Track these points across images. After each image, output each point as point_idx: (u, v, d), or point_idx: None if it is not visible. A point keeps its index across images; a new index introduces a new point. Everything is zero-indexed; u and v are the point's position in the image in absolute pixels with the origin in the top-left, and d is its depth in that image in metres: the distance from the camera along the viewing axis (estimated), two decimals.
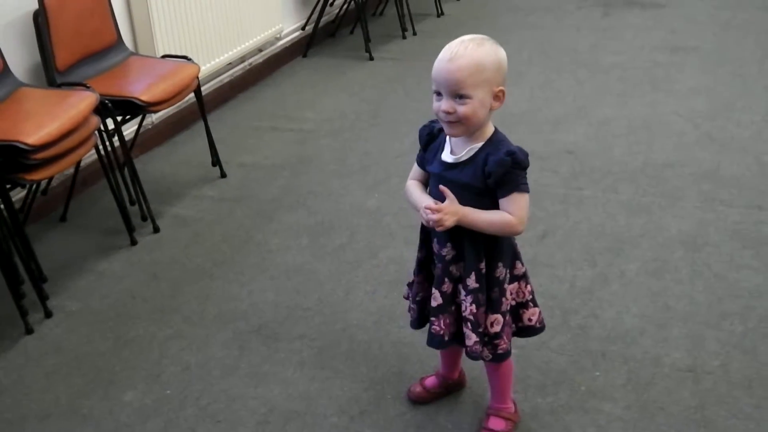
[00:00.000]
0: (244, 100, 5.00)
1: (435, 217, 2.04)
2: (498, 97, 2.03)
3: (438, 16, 6.61)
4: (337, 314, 2.96)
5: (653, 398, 2.51)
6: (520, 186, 2.05)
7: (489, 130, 2.09)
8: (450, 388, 2.55)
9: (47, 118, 2.96)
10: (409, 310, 2.38)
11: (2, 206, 2.97)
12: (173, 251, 3.39)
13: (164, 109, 3.62)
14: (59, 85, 3.36)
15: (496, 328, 2.20)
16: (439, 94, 2.02)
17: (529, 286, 2.27)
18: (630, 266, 3.17)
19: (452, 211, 2.05)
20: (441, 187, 2.06)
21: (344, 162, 4.12)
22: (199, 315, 2.99)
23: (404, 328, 2.46)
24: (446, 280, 2.19)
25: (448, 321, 2.22)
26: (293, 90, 5.14)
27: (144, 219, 3.58)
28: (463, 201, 2.06)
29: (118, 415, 2.52)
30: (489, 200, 2.08)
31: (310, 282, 3.15)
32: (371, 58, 5.63)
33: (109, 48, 3.70)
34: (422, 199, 2.16)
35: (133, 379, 2.68)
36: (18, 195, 3.47)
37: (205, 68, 4.47)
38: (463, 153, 2.08)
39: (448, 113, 2.00)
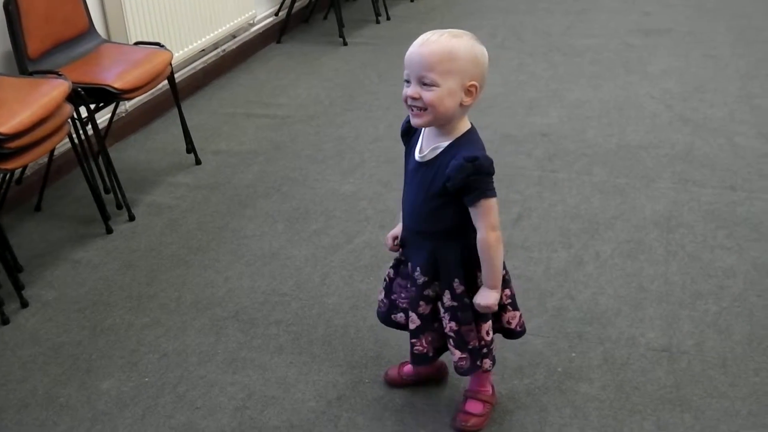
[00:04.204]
0: (218, 86, 4.98)
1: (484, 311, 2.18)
2: (470, 91, 1.98)
3: (412, 0, 6.60)
4: (314, 299, 2.96)
5: (629, 378, 2.53)
6: (487, 192, 2.01)
7: (462, 128, 2.05)
8: (424, 378, 2.53)
9: (19, 107, 2.93)
10: (380, 304, 2.40)
11: None
12: (149, 239, 3.38)
13: (138, 96, 3.60)
14: (31, 74, 3.34)
15: (491, 334, 2.22)
16: (409, 81, 2.00)
17: (507, 291, 2.25)
18: (605, 248, 3.19)
19: (485, 303, 2.14)
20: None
21: (319, 147, 4.12)
22: (175, 302, 2.98)
23: None
24: (422, 303, 2.20)
25: (429, 338, 2.24)
26: (267, 76, 5.12)
27: (119, 207, 3.57)
28: (428, 209, 2.08)
29: (96, 404, 2.52)
30: (452, 209, 2.06)
31: (286, 268, 3.15)
32: (345, 44, 5.62)
33: (81, 35, 3.67)
34: (394, 229, 2.27)
35: (111, 368, 2.67)
36: None
37: (179, 55, 4.45)
38: (428, 152, 2.06)
39: (413, 98, 1.97)
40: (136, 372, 2.65)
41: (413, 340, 2.25)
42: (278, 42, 5.73)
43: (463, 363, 2.21)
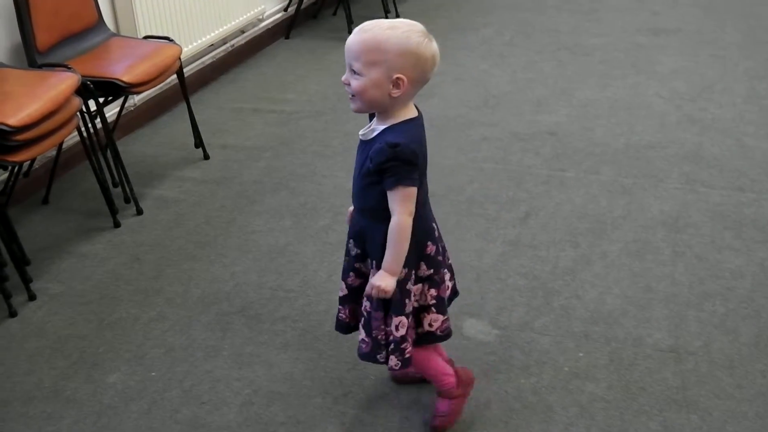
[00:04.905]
0: (226, 81, 4.98)
1: (375, 294, 2.10)
2: (397, 84, 1.96)
3: None
4: (321, 295, 2.96)
5: (635, 379, 2.53)
6: (404, 180, 1.99)
7: (402, 115, 2.04)
8: None
9: (28, 99, 2.94)
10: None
11: None
12: (156, 233, 3.38)
13: (146, 90, 3.60)
14: (40, 66, 3.34)
15: (402, 332, 2.15)
16: None
17: (433, 291, 2.19)
18: (612, 247, 3.18)
19: (380, 285, 2.06)
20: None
21: (326, 143, 4.11)
22: (182, 297, 2.98)
23: None
24: (351, 274, 2.22)
25: (354, 310, 2.27)
26: (275, 72, 5.12)
27: (127, 201, 3.57)
28: (360, 186, 2.10)
29: (102, 398, 2.52)
30: (377, 190, 2.04)
31: (293, 263, 3.15)
32: None
33: (90, 29, 3.67)
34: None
35: (117, 362, 2.67)
36: None
37: (187, 50, 4.45)
38: (367, 132, 2.07)
39: (344, 84, 2.00)
40: (142, 366, 2.65)
41: (339, 307, 2.29)
42: (287, 38, 5.73)
43: (363, 346, 2.20)
